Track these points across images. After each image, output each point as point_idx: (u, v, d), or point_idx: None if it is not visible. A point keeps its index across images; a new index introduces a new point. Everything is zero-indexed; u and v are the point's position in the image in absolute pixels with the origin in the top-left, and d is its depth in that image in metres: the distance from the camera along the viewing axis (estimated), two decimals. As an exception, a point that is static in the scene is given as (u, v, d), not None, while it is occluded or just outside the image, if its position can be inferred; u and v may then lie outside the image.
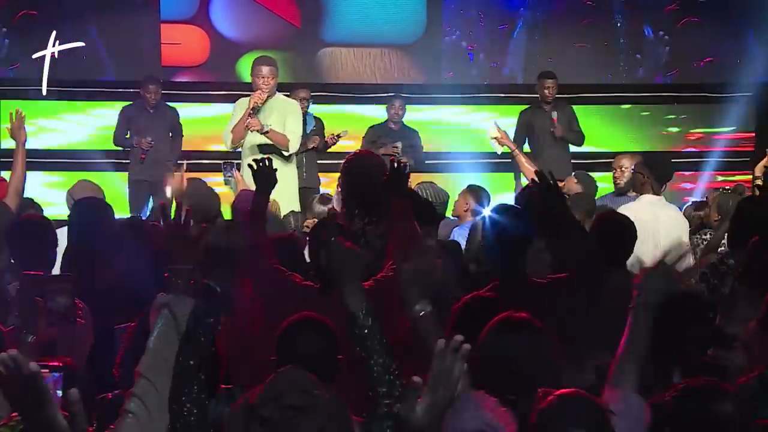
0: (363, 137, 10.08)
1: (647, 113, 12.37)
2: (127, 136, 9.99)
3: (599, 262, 4.60)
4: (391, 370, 2.99)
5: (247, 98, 7.91)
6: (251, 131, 7.80)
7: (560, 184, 4.99)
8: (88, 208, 5.47)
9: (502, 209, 4.59)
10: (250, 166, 4.77)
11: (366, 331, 3.03)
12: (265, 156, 4.95)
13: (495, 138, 8.08)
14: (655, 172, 6.47)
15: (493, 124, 8.22)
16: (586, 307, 4.32)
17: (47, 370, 2.27)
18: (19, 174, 5.86)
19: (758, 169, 8.31)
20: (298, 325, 3.58)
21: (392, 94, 10.52)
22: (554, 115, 9.64)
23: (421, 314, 3.03)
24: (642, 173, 6.48)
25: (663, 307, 3.28)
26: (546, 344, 3.25)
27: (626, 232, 5.17)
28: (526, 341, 3.19)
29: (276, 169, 4.77)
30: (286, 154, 8.00)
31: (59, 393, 2.27)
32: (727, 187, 9.17)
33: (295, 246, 5.04)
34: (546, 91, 9.78)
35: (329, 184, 9.79)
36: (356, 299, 3.09)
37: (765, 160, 8.28)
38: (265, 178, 4.71)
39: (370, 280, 4.19)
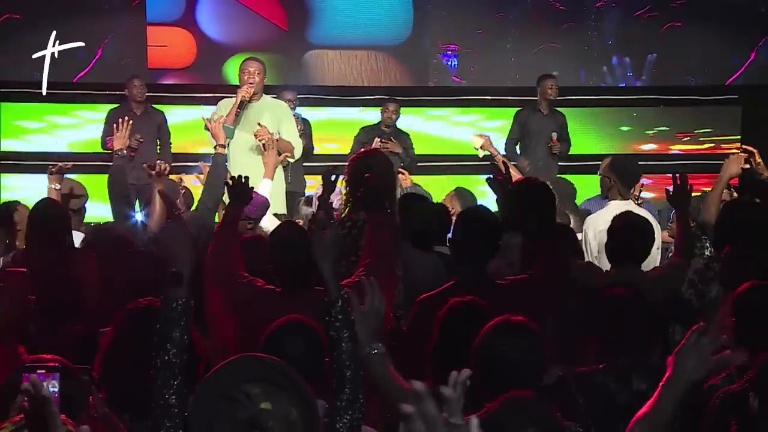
0: (354, 138, 10.08)
1: (632, 116, 12.39)
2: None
3: (563, 263, 4.60)
4: (357, 358, 3.07)
5: (231, 99, 7.82)
6: (260, 141, 7.43)
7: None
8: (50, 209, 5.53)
9: (470, 211, 4.66)
10: (226, 183, 4.88)
11: (340, 316, 3.09)
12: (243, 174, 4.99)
13: (480, 146, 8.15)
14: (621, 175, 6.31)
15: (473, 136, 8.30)
16: (548, 307, 4.35)
17: (43, 371, 2.26)
18: None
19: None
20: (285, 328, 3.59)
21: (380, 97, 10.50)
22: (554, 136, 9.85)
23: (373, 353, 3.05)
24: (608, 177, 6.32)
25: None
26: (543, 347, 3.27)
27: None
28: (526, 344, 3.21)
29: (252, 188, 4.90)
30: (291, 160, 7.99)
31: (55, 393, 2.25)
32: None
33: (262, 248, 5.08)
34: (549, 91, 10.01)
35: (315, 187, 9.76)
36: (334, 285, 3.16)
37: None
38: (240, 193, 4.82)
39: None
